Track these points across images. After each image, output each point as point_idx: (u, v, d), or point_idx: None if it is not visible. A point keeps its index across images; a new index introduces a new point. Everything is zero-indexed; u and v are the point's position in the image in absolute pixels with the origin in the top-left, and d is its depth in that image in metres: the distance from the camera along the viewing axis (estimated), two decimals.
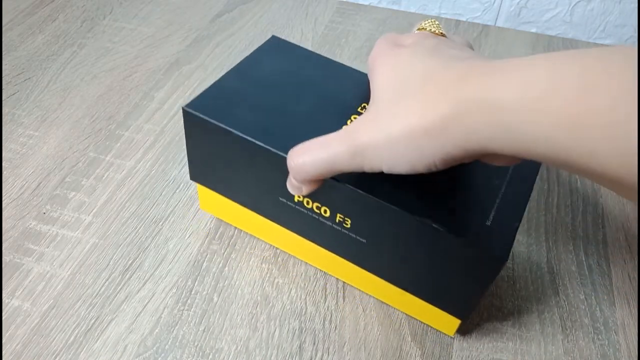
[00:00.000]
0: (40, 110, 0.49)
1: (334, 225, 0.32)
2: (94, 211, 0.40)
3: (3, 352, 0.32)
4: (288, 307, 0.35)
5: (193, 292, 0.36)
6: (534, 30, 0.64)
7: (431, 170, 0.24)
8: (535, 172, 0.31)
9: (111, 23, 0.60)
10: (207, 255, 0.38)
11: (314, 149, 0.26)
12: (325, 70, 0.36)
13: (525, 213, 0.42)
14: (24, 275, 0.36)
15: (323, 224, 0.32)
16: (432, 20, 0.30)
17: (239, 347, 0.33)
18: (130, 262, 0.37)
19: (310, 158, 0.26)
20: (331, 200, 0.30)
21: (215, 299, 0.36)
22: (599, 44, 0.61)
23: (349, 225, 0.31)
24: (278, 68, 0.35)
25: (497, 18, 0.64)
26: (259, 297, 0.36)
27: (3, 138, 0.46)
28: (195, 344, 0.33)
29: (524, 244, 0.40)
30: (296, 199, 0.32)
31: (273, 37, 0.38)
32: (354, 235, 0.31)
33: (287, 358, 0.33)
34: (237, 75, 0.34)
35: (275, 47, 0.37)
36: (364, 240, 0.31)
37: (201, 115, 0.31)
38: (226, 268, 0.37)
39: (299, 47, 0.37)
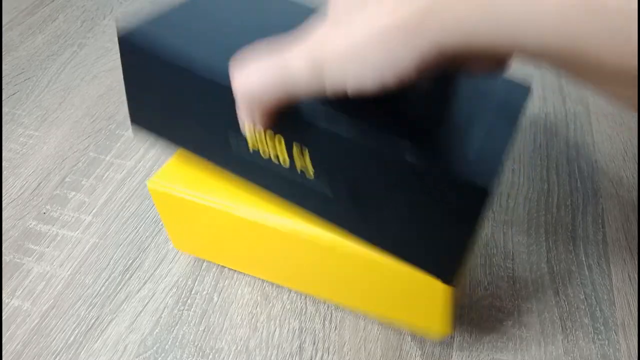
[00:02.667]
0: (40, 110, 0.49)
1: (295, 178, 0.28)
2: (94, 211, 0.40)
3: (3, 352, 0.32)
4: (288, 307, 0.35)
5: (193, 292, 0.36)
6: None
7: (404, 83, 0.20)
8: (521, 103, 0.28)
9: (111, 23, 0.60)
10: None
11: (264, 65, 0.22)
12: (283, 4, 0.32)
13: (524, 211, 0.42)
14: (24, 275, 0.36)
15: (283, 177, 0.29)
16: None
17: (239, 347, 0.33)
18: (130, 262, 0.37)
19: (259, 79, 0.22)
20: (289, 142, 0.27)
21: (215, 299, 0.36)
22: None
23: (312, 176, 0.27)
24: (231, 3, 0.32)
25: None
26: (259, 297, 0.36)
27: (3, 138, 0.46)
28: (195, 344, 0.33)
29: (524, 244, 0.40)
30: (250, 146, 0.28)
31: None
32: (317, 189, 0.28)
33: (287, 358, 0.33)
34: (186, 8, 0.31)
35: None
36: (330, 194, 0.28)
37: (139, 44, 0.28)
38: (226, 268, 0.37)
39: None
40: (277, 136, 0.27)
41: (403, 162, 0.24)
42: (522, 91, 0.30)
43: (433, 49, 0.19)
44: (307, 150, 0.27)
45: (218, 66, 0.26)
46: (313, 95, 0.22)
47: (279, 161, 0.28)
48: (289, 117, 0.25)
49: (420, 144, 0.25)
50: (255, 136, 0.27)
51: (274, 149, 0.27)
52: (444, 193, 0.24)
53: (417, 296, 0.30)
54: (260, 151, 0.28)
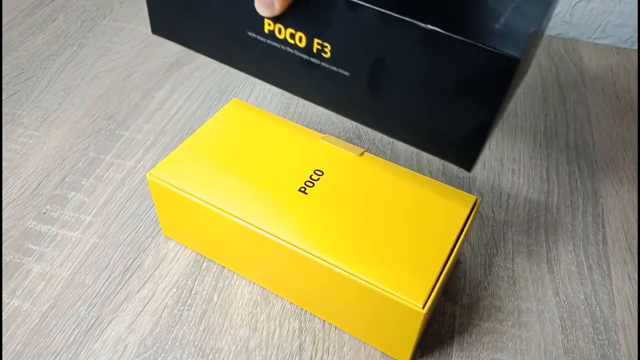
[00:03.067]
0: (40, 110, 0.49)
1: (311, 59, 0.27)
2: (94, 211, 0.40)
3: (3, 352, 0.32)
4: (288, 307, 0.35)
5: (193, 292, 0.36)
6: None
7: None
8: None
9: (111, 23, 0.60)
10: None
11: None
12: None
13: (524, 211, 0.42)
14: (24, 275, 0.36)
15: (299, 59, 0.28)
16: None
17: (239, 347, 0.33)
18: (130, 262, 0.37)
19: None
20: (307, 22, 0.26)
21: (215, 299, 0.36)
22: (599, 44, 0.61)
23: (328, 54, 0.27)
24: None
25: None
26: (259, 297, 0.36)
27: (3, 138, 0.46)
28: (195, 344, 0.33)
29: (524, 244, 0.40)
30: (266, 27, 0.28)
31: None
32: (335, 69, 0.27)
33: (287, 358, 0.33)
34: None
35: None
36: (347, 73, 0.27)
37: None
38: (226, 268, 0.37)
39: None
40: (298, 34, 0.27)
41: (425, 30, 0.23)
42: None
43: None
44: (329, 40, 0.26)
45: None
46: None
47: (294, 40, 0.27)
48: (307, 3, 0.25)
49: (446, 16, 0.24)
50: (274, 26, 0.27)
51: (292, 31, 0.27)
52: (467, 65, 0.23)
53: (391, 321, 0.31)
54: (276, 32, 0.27)
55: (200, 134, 0.37)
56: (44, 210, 0.40)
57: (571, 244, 0.40)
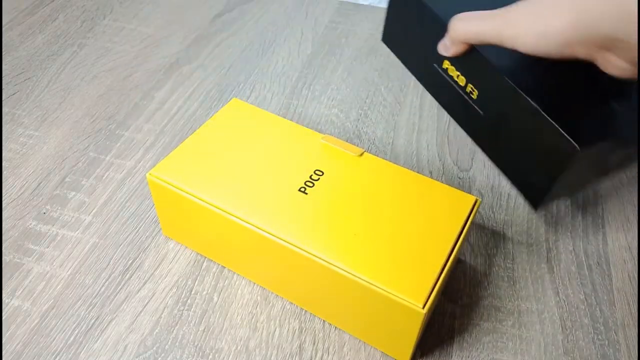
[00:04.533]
0: (40, 110, 0.49)
1: (463, 94, 0.37)
2: (94, 211, 0.40)
3: (3, 352, 0.32)
4: (288, 307, 0.35)
5: (193, 292, 0.36)
6: None
7: (564, 56, 0.29)
8: None
9: (111, 23, 0.60)
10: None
11: (473, 19, 0.33)
12: None
13: (524, 211, 0.42)
14: (24, 275, 0.36)
15: (457, 91, 0.38)
16: None
17: (239, 347, 0.33)
18: (130, 262, 0.37)
19: (466, 24, 0.34)
20: (470, 72, 0.36)
21: (215, 299, 0.36)
22: None
23: (475, 97, 0.37)
24: None
25: None
26: (259, 297, 0.36)
27: (3, 138, 0.46)
28: (195, 344, 0.33)
29: (524, 244, 0.40)
30: (444, 65, 0.38)
31: None
32: (476, 107, 0.37)
33: (287, 358, 0.33)
34: None
35: None
36: (482, 113, 0.36)
37: None
38: (226, 268, 0.37)
39: None
40: (461, 77, 0.37)
41: (533, 107, 0.32)
42: None
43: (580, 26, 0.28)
44: (477, 80, 0.36)
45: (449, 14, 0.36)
46: (492, 44, 0.32)
47: (458, 79, 0.38)
48: (477, 61, 0.35)
49: (564, 105, 0.32)
50: (449, 66, 0.38)
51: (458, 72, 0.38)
52: (550, 140, 0.31)
53: (391, 321, 0.31)
54: (449, 70, 0.38)
55: (200, 134, 0.37)
56: (44, 210, 0.40)
57: (571, 244, 0.40)
